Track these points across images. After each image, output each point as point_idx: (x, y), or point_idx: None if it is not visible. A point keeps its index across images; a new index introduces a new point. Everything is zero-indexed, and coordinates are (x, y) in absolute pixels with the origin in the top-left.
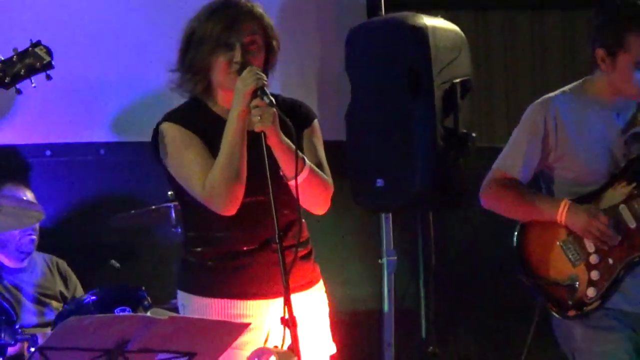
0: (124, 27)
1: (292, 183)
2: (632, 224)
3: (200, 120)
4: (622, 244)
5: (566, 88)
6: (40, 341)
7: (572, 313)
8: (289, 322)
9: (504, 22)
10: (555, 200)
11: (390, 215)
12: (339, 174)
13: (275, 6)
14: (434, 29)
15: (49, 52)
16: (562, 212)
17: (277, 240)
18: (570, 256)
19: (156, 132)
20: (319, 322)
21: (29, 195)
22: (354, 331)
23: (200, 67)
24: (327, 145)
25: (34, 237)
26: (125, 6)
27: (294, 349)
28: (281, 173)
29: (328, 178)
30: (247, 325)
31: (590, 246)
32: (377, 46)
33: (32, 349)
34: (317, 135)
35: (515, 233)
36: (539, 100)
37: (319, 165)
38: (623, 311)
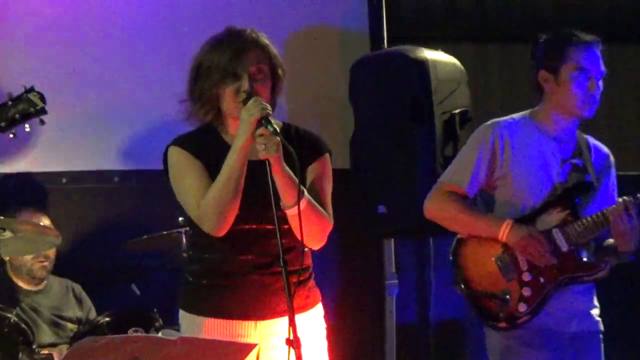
0: (136, 61)
1: (289, 212)
2: (565, 248)
3: (209, 146)
4: (554, 265)
5: (514, 115)
6: None
7: (502, 325)
8: (294, 343)
9: (502, 55)
10: (498, 218)
11: (392, 240)
12: (343, 199)
13: (282, 38)
14: (435, 62)
15: (42, 98)
16: (504, 231)
17: (282, 264)
18: (504, 272)
19: (165, 155)
20: (316, 344)
21: (45, 221)
22: (356, 352)
23: (209, 97)
24: (332, 172)
25: (46, 264)
26: (137, 40)
27: None
28: (280, 202)
29: (328, 214)
30: (254, 345)
31: (523, 264)
32: (380, 78)
33: None
34: (325, 171)
35: (452, 245)
36: (489, 122)
37: (322, 200)
38: (549, 330)
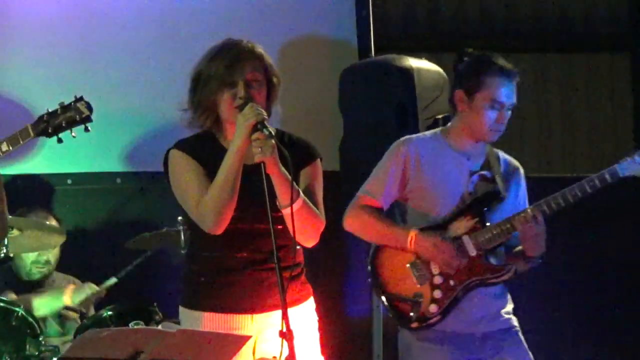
0: (138, 66)
1: (285, 211)
2: (473, 253)
3: (208, 150)
4: (463, 269)
5: (425, 133)
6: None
7: (414, 325)
8: (287, 335)
9: None
10: (405, 229)
11: None
12: (334, 200)
13: (275, 48)
14: (419, 70)
15: (89, 107)
16: (410, 241)
17: (275, 261)
18: (416, 276)
19: (166, 157)
20: (308, 336)
21: (52, 221)
22: (344, 344)
23: (207, 105)
24: (323, 175)
25: (45, 270)
26: (140, 45)
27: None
28: (277, 202)
29: (321, 214)
30: (248, 337)
31: (435, 268)
32: (367, 85)
33: (55, 359)
34: (317, 175)
35: (370, 253)
36: (402, 138)
37: (315, 201)
38: (458, 332)
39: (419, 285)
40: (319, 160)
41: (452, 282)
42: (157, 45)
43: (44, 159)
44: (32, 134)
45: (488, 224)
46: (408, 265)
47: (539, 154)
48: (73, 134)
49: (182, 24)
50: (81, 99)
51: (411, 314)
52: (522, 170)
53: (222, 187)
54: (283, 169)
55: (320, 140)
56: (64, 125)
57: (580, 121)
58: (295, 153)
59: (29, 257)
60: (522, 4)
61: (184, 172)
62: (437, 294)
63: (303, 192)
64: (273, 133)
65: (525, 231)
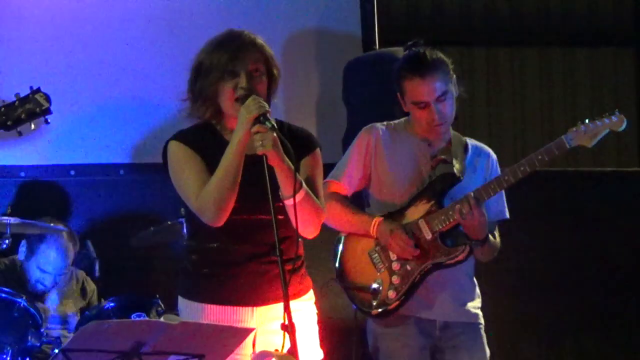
0: (139, 59)
1: (287, 202)
2: (428, 236)
3: (208, 142)
4: (420, 254)
5: (394, 121)
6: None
7: (375, 312)
8: (288, 328)
9: (487, 57)
10: (370, 216)
11: None
12: None
13: (279, 40)
14: None
15: (48, 98)
16: (373, 227)
17: (278, 254)
18: (376, 263)
19: (165, 149)
20: (307, 329)
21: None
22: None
23: (208, 95)
24: (326, 167)
25: (47, 284)
26: (141, 38)
27: (293, 352)
28: (280, 193)
29: (321, 205)
30: (251, 330)
31: (393, 255)
32: (371, 77)
33: (56, 351)
34: (317, 165)
35: (334, 244)
36: (367, 126)
37: (315, 191)
38: (418, 317)
39: (378, 273)
40: (318, 150)
41: (409, 267)
42: (161, 38)
43: (48, 151)
44: None
45: (444, 206)
46: (368, 252)
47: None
48: (33, 126)
49: (186, 16)
50: (38, 90)
51: (372, 301)
52: (493, 156)
53: (223, 179)
54: (286, 159)
55: (323, 132)
56: (23, 117)
57: (583, 115)
58: (295, 143)
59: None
60: None
61: (183, 164)
62: (395, 279)
63: (304, 182)
64: (275, 126)
65: (462, 219)
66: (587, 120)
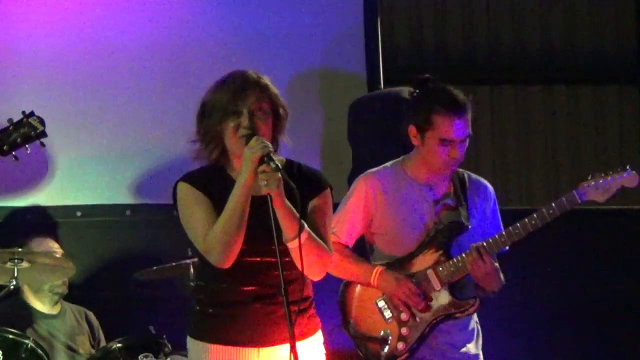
0: (147, 100)
1: (290, 245)
2: (437, 287)
3: (216, 182)
4: (429, 305)
5: (387, 164)
6: None
7: None
8: None
9: (492, 95)
10: (371, 266)
11: None
12: None
13: (284, 79)
14: None
15: (42, 122)
16: (374, 278)
17: (283, 294)
18: (384, 313)
19: (174, 189)
20: None
21: (55, 246)
22: None
23: (213, 136)
24: (333, 206)
25: (66, 280)
26: (149, 79)
27: None
28: (282, 236)
29: (328, 247)
30: None
31: (401, 305)
32: (376, 116)
33: None
34: (326, 206)
35: (340, 289)
36: (364, 174)
37: (322, 233)
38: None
39: (386, 323)
40: (328, 190)
41: (418, 319)
42: (167, 79)
43: (54, 192)
44: None
45: (452, 255)
46: (375, 301)
47: (546, 185)
48: (28, 150)
49: (191, 57)
50: (32, 114)
51: (380, 352)
52: (491, 189)
53: (229, 221)
54: (287, 202)
55: (328, 171)
56: (19, 141)
57: (588, 153)
58: (304, 184)
59: (45, 286)
60: (530, 37)
61: (191, 205)
62: (405, 331)
63: (310, 224)
64: (280, 165)
65: (474, 269)
66: (600, 175)
